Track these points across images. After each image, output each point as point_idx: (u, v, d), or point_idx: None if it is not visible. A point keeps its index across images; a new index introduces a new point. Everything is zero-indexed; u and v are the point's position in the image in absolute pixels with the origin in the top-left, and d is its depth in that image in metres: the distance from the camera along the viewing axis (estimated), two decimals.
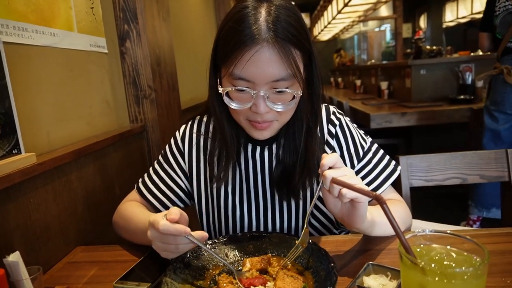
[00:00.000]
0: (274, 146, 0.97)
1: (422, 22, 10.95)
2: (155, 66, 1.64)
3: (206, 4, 3.26)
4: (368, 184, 0.96)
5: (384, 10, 10.06)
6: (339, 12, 6.86)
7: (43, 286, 0.71)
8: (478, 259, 0.52)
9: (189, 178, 1.02)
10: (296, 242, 0.78)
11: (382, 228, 0.84)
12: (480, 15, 2.78)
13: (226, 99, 0.84)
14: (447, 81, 3.54)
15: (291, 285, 0.67)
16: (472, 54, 4.49)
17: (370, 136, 1.03)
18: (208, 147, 0.99)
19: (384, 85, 4.25)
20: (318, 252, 0.77)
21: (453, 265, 0.53)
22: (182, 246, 0.73)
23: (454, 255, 0.54)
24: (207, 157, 0.99)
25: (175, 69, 1.94)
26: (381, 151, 1.01)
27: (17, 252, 0.66)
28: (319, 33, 10.91)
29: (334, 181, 0.70)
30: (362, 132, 1.03)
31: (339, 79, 8.00)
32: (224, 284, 0.72)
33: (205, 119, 1.05)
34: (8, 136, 0.88)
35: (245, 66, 0.77)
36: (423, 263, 0.50)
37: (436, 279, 0.49)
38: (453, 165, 1.28)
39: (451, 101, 3.35)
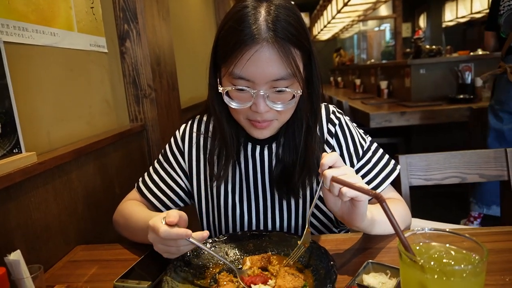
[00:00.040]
0: (274, 145, 0.97)
1: (422, 21, 10.96)
2: (155, 65, 1.64)
3: (206, 4, 3.26)
4: (368, 183, 0.96)
5: (384, 10, 10.05)
6: (338, 11, 6.86)
7: (44, 285, 0.71)
8: (477, 257, 0.52)
9: (189, 177, 1.03)
10: (299, 242, 0.78)
11: (382, 226, 0.85)
12: (480, 15, 2.79)
13: (226, 99, 0.84)
14: (447, 81, 3.55)
15: (291, 283, 0.68)
16: (471, 53, 4.49)
17: (369, 136, 1.04)
18: (208, 146, 0.99)
19: (383, 84, 4.25)
20: (318, 251, 0.78)
21: (452, 263, 0.54)
22: (183, 247, 0.74)
23: (453, 253, 0.55)
24: (207, 156, 0.99)
25: (175, 69, 1.94)
26: (381, 150, 1.02)
27: (18, 251, 0.67)
28: (318, 33, 10.90)
29: (334, 179, 0.70)
30: (361, 131, 1.03)
31: (339, 79, 8.01)
32: (225, 282, 0.72)
33: (205, 118, 1.05)
34: (9, 136, 0.89)
35: (245, 65, 0.77)
36: (422, 261, 0.50)
37: (435, 276, 0.49)
38: (452, 164, 1.29)
39: (451, 100, 3.36)
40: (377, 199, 0.61)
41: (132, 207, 0.99)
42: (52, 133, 1.11)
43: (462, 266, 0.51)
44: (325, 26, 9.38)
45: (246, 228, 0.99)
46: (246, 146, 0.99)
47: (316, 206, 0.98)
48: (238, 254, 0.85)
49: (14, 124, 0.90)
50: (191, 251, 0.80)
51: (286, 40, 0.77)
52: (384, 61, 8.05)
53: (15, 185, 0.87)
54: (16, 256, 0.66)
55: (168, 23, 1.88)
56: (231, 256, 0.84)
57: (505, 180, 1.25)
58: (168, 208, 1.03)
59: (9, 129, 0.89)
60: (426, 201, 3.20)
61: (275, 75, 0.78)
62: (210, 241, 0.85)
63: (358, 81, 5.72)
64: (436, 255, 0.55)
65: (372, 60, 9.62)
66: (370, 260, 0.74)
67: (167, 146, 1.06)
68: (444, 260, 0.54)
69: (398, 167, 1.01)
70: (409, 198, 1.27)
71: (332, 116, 0.98)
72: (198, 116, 1.06)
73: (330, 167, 0.72)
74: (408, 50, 7.43)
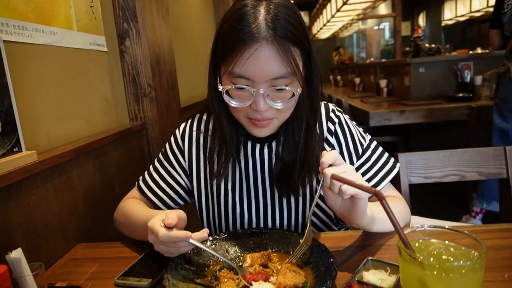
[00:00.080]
0: (273, 144, 0.98)
1: (421, 20, 10.95)
2: (154, 64, 1.64)
3: (205, 3, 3.26)
4: (367, 181, 0.97)
5: (383, 9, 10.05)
6: (338, 10, 6.86)
7: (45, 283, 0.71)
8: (476, 254, 0.53)
9: (189, 176, 1.03)
10: (301, 240, 0.78)
11: (382, 224, 0.85)
12: (479, 14, 2.79)
13: (226, 97, 0.84)
14: (446, 79, 3.55)
15: (292, 280, 0.68)
16: (470, 52, 4.49)
17: (369, 134, 1.04)
18: (208, 144, 1.00)
19: (383, 83, 4.25)
20: (318, 248, 0.78)
21: (451, 259, 0.54)
22: (183, 248, 0.75)
23: (453, 250, 0.55)
24: (207, 154, 1.00)
25: (174, 68, 1.94)
26: (380, 148, 1.02)
27: (19, 249, 0.67)
28: (318, 31, 10.90)
29: (334, 177, 0.70)
30: (361, 129, 1.03)
31: (338, 77, 8.00)
32: (225, 280, 0.72)
33: (204, 117, 1.05)
34: (9, 134, 0.89)
35: (245, 64, 0.77)
36: (421, 257, 0.51)
37: (435, 273, 0.49)
38: (452, 162, 1.29)
39: (450, 99, 3.36)
40: (377, 196, 0.61)
41: (132, 206, 0.99)
42: (52, 131, 1.11)
43: (461, 262, 0.52)
44: (324, 25, 9.38)
45: (246, 226, 0.99)
46: (246, 144, 0.99)
47: (316, 204, 0.98)
48: (239, 251, 0.85)
49: (14, 123, 0.90)
50: (191, 249, 0.81)
51: (285, 38, 0.77)
52: (383, 60, 8.04)
53: (16, 183, 0.87)
54: (17, 254, 0.66)
55: (167, 22, 1.88)
56: (231, 254, 0.85)
57: (504, 178, 1.26)
58: (168, 206, 1.03)
59: (9, 128, 0.89)
60: (426, 199, 3.21)
61: (275, 74, 0.78)
62: (211, 239, 0.85)
63: (357, 80, 5.71)
64: (435, 252, 0.56)
65: (372, 59, 9.61)
66: (370, 257, 0.74)
67: (167, 145, 1.07)
68: (443, 257, 0.55)
69: (398, 165, 1.01)
70: (408, 196, 1.27)
71: (331, 114, 0.99)
72: (198, 115, 1.07)
73: (330, 165, 0.73)
74: (407, 48, 7.43)
